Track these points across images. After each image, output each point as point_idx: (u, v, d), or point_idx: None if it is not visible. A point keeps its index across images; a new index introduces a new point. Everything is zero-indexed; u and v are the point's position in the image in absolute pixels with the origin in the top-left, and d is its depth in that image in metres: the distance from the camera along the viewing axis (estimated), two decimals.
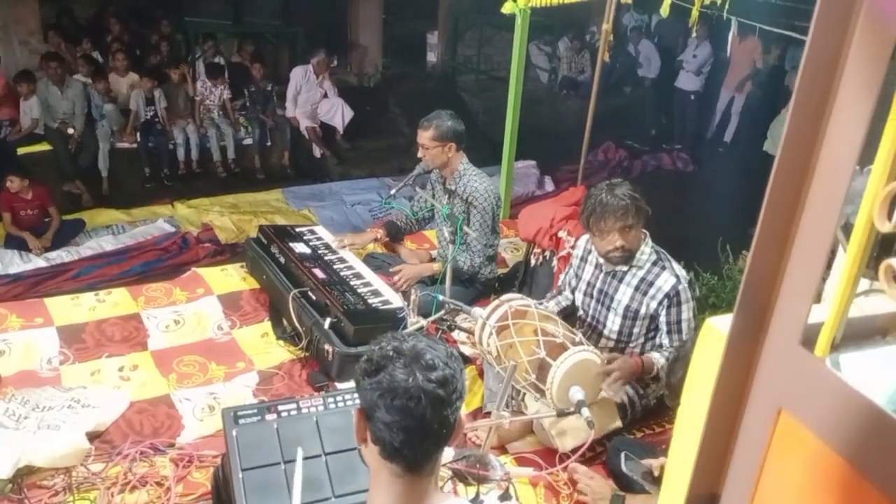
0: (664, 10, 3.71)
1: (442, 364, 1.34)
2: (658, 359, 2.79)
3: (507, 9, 4.58)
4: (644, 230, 2.88)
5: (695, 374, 1.02)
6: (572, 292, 3.17)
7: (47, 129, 6.55)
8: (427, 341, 1.39)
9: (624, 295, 2.89)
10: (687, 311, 2.80)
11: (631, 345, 2.95)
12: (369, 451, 1.37)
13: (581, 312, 3.11)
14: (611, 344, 2.95)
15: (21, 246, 5.30)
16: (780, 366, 0.84)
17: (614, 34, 4.47)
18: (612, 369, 2.63)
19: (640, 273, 2.85)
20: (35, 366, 3.08)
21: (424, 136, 3.59)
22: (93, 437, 2.65)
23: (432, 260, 4.09)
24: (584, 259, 3.10)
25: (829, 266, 1.07)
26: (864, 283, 0.95)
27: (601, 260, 2.97)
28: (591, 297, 3.04)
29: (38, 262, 5.05)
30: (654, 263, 2.85)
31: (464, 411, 1.42)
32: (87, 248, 5.36)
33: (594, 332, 3.01)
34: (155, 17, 8.48)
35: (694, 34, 7.36)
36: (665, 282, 2.80)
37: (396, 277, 3.64)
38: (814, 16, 0.75)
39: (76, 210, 6.16)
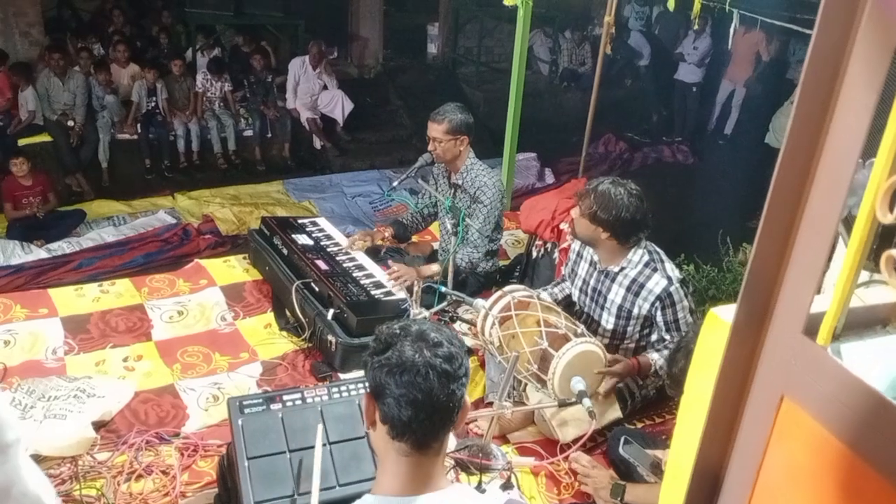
0: (670, 4, 3.72)
1: (447, 343, 1.39)
2: (657, 359, 2.81)
3: (508, 0, 4.57)
4: (641, 233, 2.87)
5: (698, 362, 1.03)
6: (571, 285, 3.19)
7: (47, 120, 6.56)
8: (431, 324, 1.44)
9: (616, 295, 2.90)
10: (682, 311, 2.82)
11: (625, 342, 2.96)
12: (378, 434, 1.40)
13: (577, 308, 3.13)
14: (605, 341, 2.95)
15: (23, 237, 5.32)
16: (783, 354, 0.85)
17: (616, 26, 4.48)
18: (613, 371, 2.65)
19: (632, 274, 2.86)
20: (40, 356, 3.10)
21: (437, 130, 3.55)
22: (98, 426, 2.66)
23: (434, 252, 4.10)
24: (579, 255, 3.12)
25: (829, 259, 1.09)
26: (865, 276, 0.97)
27: (595, 257, 2.99)
28: (587, 294, 3.05)
29: (39, 253, 5.08)
30: (646, 265, 2.84)
31: (468, 396, 1.45)
32: (89, 239, 5.38)
33: (589, 329, 3.02)
34: (156, 7, 8.47)
35: (695, 26, 7.36)
36: (656, 284, 2.80)
37: (394, 272, 3.50)
38: (819, 9, 0.76)
39: (77, 202, 6.18)
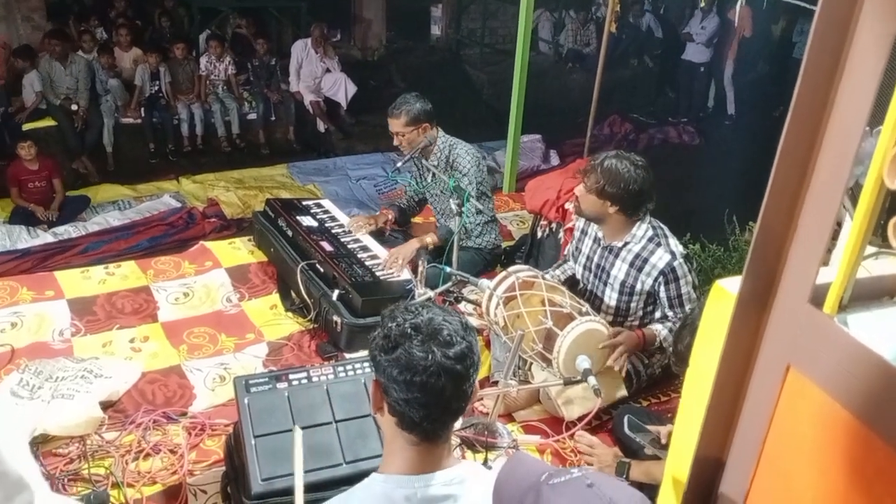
0: None
1: (459, 338, 1.34)
2: (660, 330, 2.81)
3: None
4: (649, 204, 2.86)
5: (704, 335, 1.03)
6: (575, 263, 3.19)
7: (50, 105, 6.54)
8: (442, 313, 1.38)
9: (620, 270, 2.90)
10: (686, 286, 2.82)
11: (629, 318, 2.96)
12: (385, 420, 1.39)
13: (581, 286, 3.13)
14: (609, 318, 2.95)
15: (28, 221, 5.33)
16: (789, 324, 0.85)
17: (621, 5, 4.44)
18: (618, 342, 2.66)
19: (636, 249, 2.86)
20: (47, 338, 3.12)
21: (397, 125, 3.57)
22: (106, 406, 2.68)
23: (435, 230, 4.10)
24: (584, 232, 3.11)
25: (835, 237, 1.08)
26: (871, 250, 0.96)
27: (599, 234, 2.98)
28: (590, 270, 3.05)
29: (45, 237, 5.08)
30: (650, 240, 2.84)
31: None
32: (94, 223, 5.38)
33: (593, 307, 3.02)
34: None
35: (702, 4, 7.28)
36: (659, 259, 2.80)
37: (391, 261, 3.48)
38: None
39: (82, 186, 6.18)
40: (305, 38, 7.73)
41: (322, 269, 3.36)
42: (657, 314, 2.89)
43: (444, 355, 1.30)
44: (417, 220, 4.33)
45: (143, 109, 6.91)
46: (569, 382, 2.50)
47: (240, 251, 3.89)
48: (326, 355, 3.08)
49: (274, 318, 3.37)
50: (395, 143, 3.62)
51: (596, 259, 3.01)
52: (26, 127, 6.41)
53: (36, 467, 0.99)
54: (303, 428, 2.10)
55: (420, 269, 3.04)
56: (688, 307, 2.79)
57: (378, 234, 3.85)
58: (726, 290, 0.97)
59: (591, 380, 2.39)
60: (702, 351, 1.04)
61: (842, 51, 0.78)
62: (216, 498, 2.36)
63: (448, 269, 3.04)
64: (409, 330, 1.33)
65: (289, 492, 1.85)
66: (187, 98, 7.10)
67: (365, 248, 3.61)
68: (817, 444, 0.84)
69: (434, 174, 3.68)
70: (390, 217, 3.97)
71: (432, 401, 1.31)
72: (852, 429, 0.78)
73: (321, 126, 7.71)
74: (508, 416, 2.81)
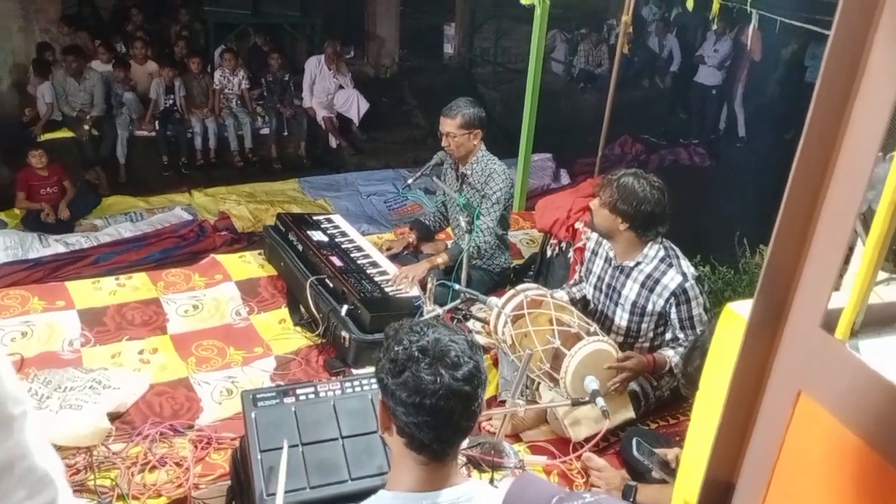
0: (689, 4, 3.69)
1: (466, 359, 1.33)
2: (672, 356, 2.79)
3: (526, 0, 4.57)
4: (660, 227, 2.85)
5: (714, 359, 1.03)
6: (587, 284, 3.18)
7: (66, 116, 6.62)
8: (448, 333, 1.38)
9: (631, 291, 2.89)
10: (697, 307, 2.80)
11: (640, 340, 2.94)
12: (393, 440, 1.40)
13: (592, 306, 3.11)
14: (619, 339, 2.93)
15: (40, 229, 5.37)
16: (801, 348, 0.85)
17: (633, 27, 4.46)
18: (625, 367, 2.64)
19: (647, 269, 2.85)
20: (57, 348, 3.13)
21: (451, 125, 3.54)
22: (114, 417, 2.68)
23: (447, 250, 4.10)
24: (595, 252, 3.11)
25: (847, 261, 1.08)
26: (883, 276, 0.96)
27: (611, 254, 2.98)
28: (601, 290, 3.04)
29: (57, 247, 5.13)
30: (662, 260, 2.83)
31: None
32: (106, 234, 5.43)
33: (603, 327, 3.00)
34: (174, 6, 8.54)
35: (715, 27, 7.32)
36: (671, 280, 2.79)
37: (401, 278, 3.48)
38: (839, 2, 0.75)
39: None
40: (319, 54, 7.82)
41: (331, 285, 3.36)
42: (668, 335, 2.88)
43: (452, 377, 1.30)
44: None
45: (157, 123, 6.99)
46: (576, 403, 2.49)
47: (250, 265, 3.90)
48: (334, 371, 3.07)
49: (282, 333, 3.38)
50: (444, 143, 3.59)
51: (607, 279, 3.00)
52: (42, 138, 6.49)
53: (61, 465, 0.97)
54: (309, 444, 2.11)
55: (429, 285, 3.04)
56: (699, 329, 2.77)
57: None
58: (737, 314, 0.96)
59: (600, 401, 2.38)
60: (712, 374, 1.03)
61: (855, 75, 0.78)
62: None
63: (457, 287, 3.04)
64: (416, 353, 1.32)
65: None
66: (201, 112, 7.17)
67: (374, 264, 3.62)
68: (828, 470, 0.83)
69: (462, 182, 3.67)
70: (411, 240, 3.96)
71: (442, 423, 1.31)
72: (864, 455, 0.77)
73: (333, 142, 7.77)
74: (515, 436, 2.79)
